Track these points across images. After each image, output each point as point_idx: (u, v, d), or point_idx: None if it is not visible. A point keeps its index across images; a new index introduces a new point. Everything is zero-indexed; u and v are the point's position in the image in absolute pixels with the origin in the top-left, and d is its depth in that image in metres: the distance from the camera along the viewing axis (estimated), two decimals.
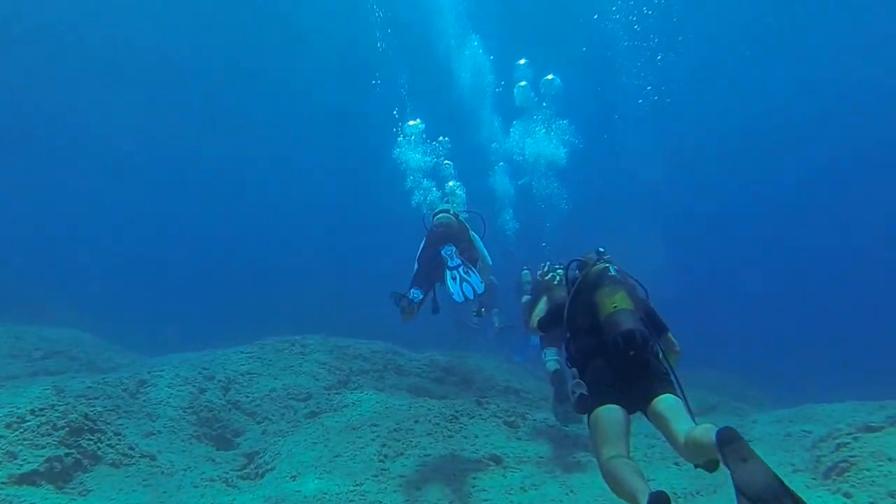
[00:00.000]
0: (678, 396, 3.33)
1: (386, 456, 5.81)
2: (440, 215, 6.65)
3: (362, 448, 5.90)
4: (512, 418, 7.13)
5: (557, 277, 7.39)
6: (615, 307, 3.57)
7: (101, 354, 11.11)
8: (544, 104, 13.22)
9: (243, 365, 8.54)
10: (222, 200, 35.86)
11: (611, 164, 28.65)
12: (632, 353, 3.38)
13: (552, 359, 7.04)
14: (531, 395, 9.22)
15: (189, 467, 5.86)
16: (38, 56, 28.43)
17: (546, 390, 10.12)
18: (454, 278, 5.86)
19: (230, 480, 5.83)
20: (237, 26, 28.55)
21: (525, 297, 7.98)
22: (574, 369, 3.70)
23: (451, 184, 10.23)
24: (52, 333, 11.68)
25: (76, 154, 32.80)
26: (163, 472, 5.56)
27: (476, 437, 6.36)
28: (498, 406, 7.32)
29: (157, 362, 8.95)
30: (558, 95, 13.28)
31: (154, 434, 6.53)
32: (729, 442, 2.49)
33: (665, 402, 3.25)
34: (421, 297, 6.18)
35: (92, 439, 5.36)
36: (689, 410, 3.25)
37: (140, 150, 32.94)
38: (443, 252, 6.00)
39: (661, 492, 2.58)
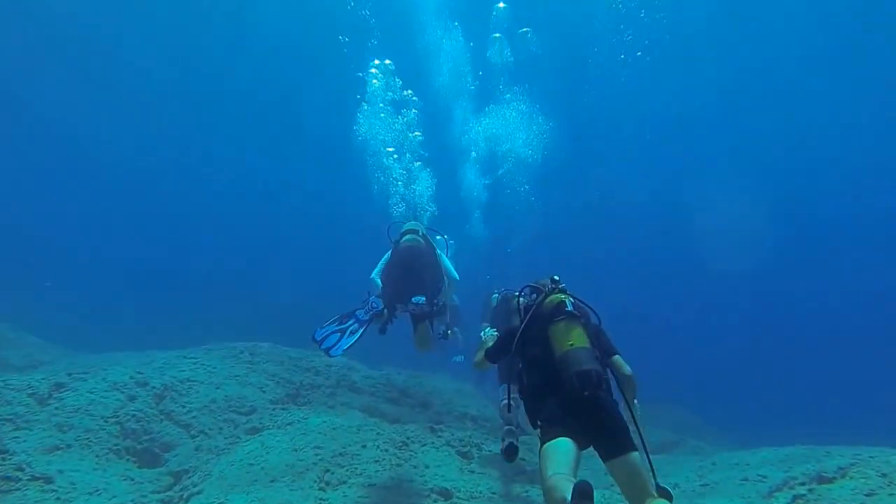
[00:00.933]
0: (638, 450, 3.29)
1: (327, 483, 5.30)
2: (408, 237, 6.36)
3: (302, 473, 5.36)
4: (466, 448, 6.69)
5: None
6: (571, 345, 3.50)
7: (18, 350, 10.28)
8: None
9: (184, 371, 7.91)
10: (190, 198, 34.80)
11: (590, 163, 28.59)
12: (586, 393, 3.32)
13: (503, 399, 6.55)
14: (489, 423, 8.77)
15: (96, 490, 5.22)
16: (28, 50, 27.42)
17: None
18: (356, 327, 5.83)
19: None
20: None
21: (484, 325, 7.64)
22: (523, 402, 3.72)
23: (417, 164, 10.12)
24: None
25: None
26: (58, 499, 4.91)
27: (426, 467, 5.88)
28: (452, 434, 6.88)
29: (84, 362, 8.23)
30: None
31: (60, 449, 5.84)
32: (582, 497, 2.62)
33: (628, 464, 3.22)
34: (381, 306, 5.87)
35: None
36: (650, 462, 3.35)
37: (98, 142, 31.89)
38: (412, 301, 5.84)
39: (584, 482, 2.64)
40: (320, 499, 4.89)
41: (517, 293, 4.33)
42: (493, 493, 5.75)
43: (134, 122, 31.57)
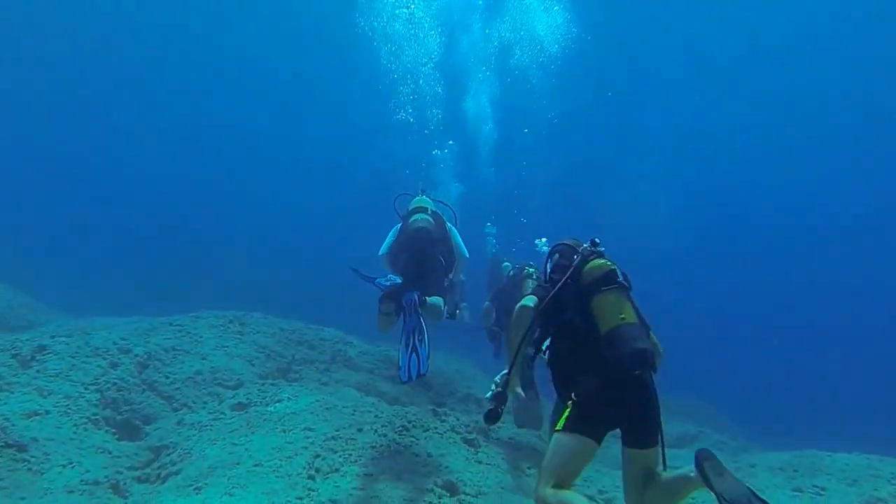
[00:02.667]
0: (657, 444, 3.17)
1: (318, 470, 4.76)
2: (418, 216, 6.00)
3: (290, 458, 4.83)
4: (472, 435, 6.14)
5: (530, 284, 6.85)
6: (623, 319, 3.17)
7: (14, 311, 9.80)
8: None
9: (169, 339, 7.38)
10: (188, 163, 34.23)
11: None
12: (637, 372, 3.08)
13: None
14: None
15: (71, 462, 4.71)
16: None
17: (511, 402, 9.23)
18: (408, 345, 5.42)
19: (120, 485, 4.71)
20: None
21: (486, 304, 7.44)
22: (551, 369, 3.46)
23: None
24: None
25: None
26: (29, 469, 4.41)
27: (429, 456, 5.34)
28: (457, 419, 6.34)
29: (71, 326, 7.69)
30: None
31: (39, 415, 5.32)
32: (706, 458, 2.92)
33: (650, 458, 3.14)
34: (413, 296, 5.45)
35: None
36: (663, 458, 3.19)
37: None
38: (404, 300, 5.47)
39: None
40: (309, 488, 4.36)
41: (552, 248, 3.86)
42: (503, 488, 5.22)
43: (128, 79, 31.01)
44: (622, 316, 3.17)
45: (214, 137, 34.01)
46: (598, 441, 3.08)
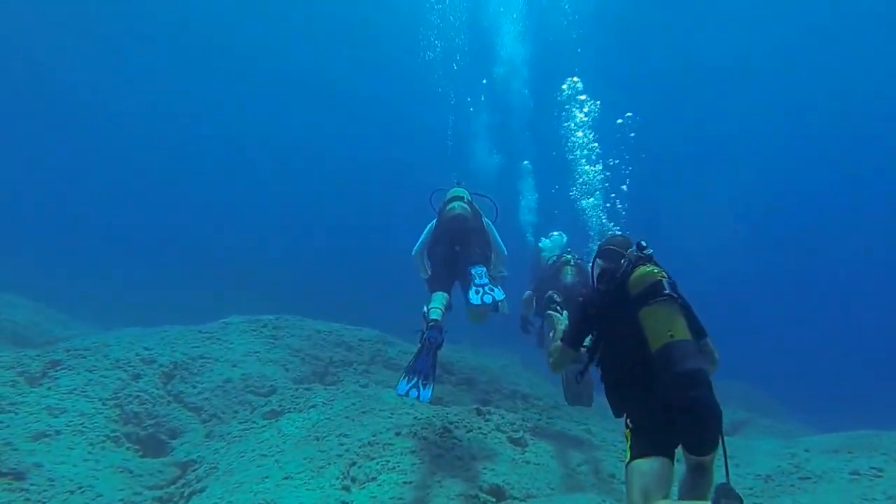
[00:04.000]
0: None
1: (353, 480, 4.32)
2: (454, 204, 5.86)
3: (323, 468, 4.39)
4: (519, 434, 5.64)
5: (569, 270, 6.65)
6: (671, 336, 2.85)
7: (36, 326, 9.62)
8: None
9: (197, 347, 7.03)
10: (213, 179, 34.51)
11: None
12: (692, 394, 2.74)
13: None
14: (542, 401, 7.70)
15: (80, 487, 4.33)
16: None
17: (559, 396, 8.66)
18: (478, 293, 5.16)
19: None
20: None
21: (527, 293, 7.12)
22: (604, 387, 3.19)
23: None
24: None
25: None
26: (27, 500, 4.04)
27: (473, 458, 4.84)
28: (502, 417, 5.82)
29: (90, 339, 7.41)
30: None
31: (48, 436, 4.95)
32: (725, 496, 2.48)
33: (709, 462, 2.85)
34: (441, 310, 5.19)
35: None
36: (726, 460, 2.83)
37: (130, 122, 31.81)
38: (472, 271, 5.23)
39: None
40: (342, 501, 3.91)
41: (597, 251, 3.52)
42: (553, 489, 4.71)
43: (162, 85, 31.34)
44: (671, 332, 2.85)
45: (243, 142, 34.20)
46: (671, 458, 2.85)
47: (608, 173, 8.48)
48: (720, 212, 27.77)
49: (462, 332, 11.30)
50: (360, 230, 29.84)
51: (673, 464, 2.85)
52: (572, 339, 3.28)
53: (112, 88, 30.98)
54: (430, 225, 6.07)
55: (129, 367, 6.26)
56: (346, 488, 4.15)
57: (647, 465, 2.81)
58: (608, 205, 8.21)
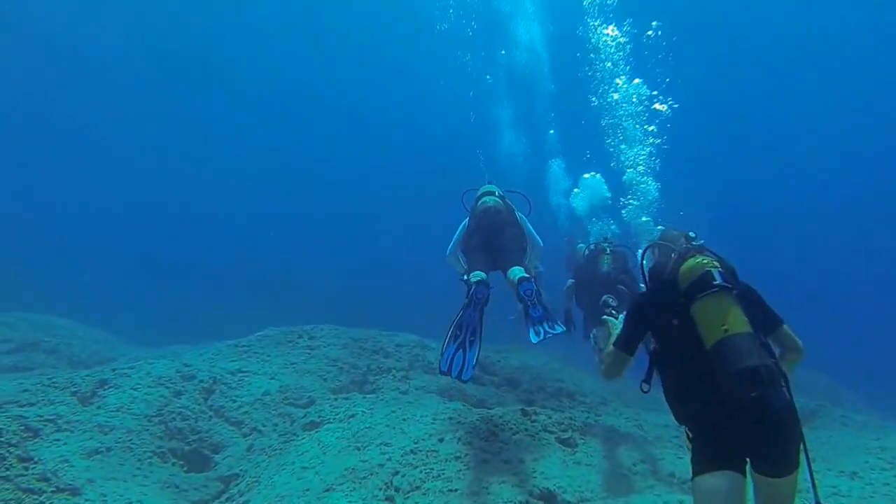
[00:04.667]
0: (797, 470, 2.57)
1: (397, 490, 4.17)
2: (486, 198, 5.87)
3: (364, 479, 4.25)
4: (567, 433, 5.40)
5: (606, 259, 6.47)
6: (725, 331, 2.59)
7: (88, 348, 9.79)
8: None
9: (234, 361, 7.01)
10: (237, 191, 34.99)
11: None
12: (753, 395, 2.46)
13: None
14: (588, 398, 7.46)
15: (130, 502, 4.31)
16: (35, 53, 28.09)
17: (606, 392, 8.37)
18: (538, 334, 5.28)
19: None
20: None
21: (569, 282, 6.93)
22: (665, 394, 2.90)
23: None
24: (36, 321, 10.46)
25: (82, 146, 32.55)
26: None
27: (521, 462, 4.64)
28: (549, 417, 5.59)
29: (133, 358, 7.48)
30: None
31: (100, 453, 4.98)
32: None
33: (788, 485, 2.57)
34: (485, 275, 5.21)
35: None
36: (812, 478, 2.59)
37: (146, 140, 32.58)
38: (521, 290, 5.17)
39: None
40: None
41: (647, 246, 3.32)
42: (609, 491, 4.46)
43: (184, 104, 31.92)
44: (724, 327, 2.59)
45: (265, 153, 34.69)
46: (742, 472, 2.56)
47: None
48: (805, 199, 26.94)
49: (500, 334, 11.13)
50: (390, 236, 29.85)
51: (744, 476, 2.58)
52: (625, 342, 3.03)
53: (136, 115, 31.73)
54: (462, 224, 6.06)
55: (171, 384, 6.25)
56: (390, 499, 4.00)
57: (712, 484, 2.56)
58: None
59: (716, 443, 2.59)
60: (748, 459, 2.60)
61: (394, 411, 5.57)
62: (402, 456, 4.57)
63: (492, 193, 5.97)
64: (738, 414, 2.52)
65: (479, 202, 5.87)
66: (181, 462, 5.41)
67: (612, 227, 7.69)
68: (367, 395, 6.48)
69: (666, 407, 2.93)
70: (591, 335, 6.15)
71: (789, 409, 2.54)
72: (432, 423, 5.17)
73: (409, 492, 4.11)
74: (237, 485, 4.87)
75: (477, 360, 5.03)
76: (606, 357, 3.13)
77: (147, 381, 6.22)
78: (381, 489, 4.08)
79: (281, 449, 5.27)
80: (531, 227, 6.04)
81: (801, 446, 2.58)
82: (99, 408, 5.75)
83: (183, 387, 6.28)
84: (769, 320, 2.88)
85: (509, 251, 5.56)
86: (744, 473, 2.57)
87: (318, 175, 35.43)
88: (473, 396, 7.00)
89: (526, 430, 5.27)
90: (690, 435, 2.70)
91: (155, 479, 4.91)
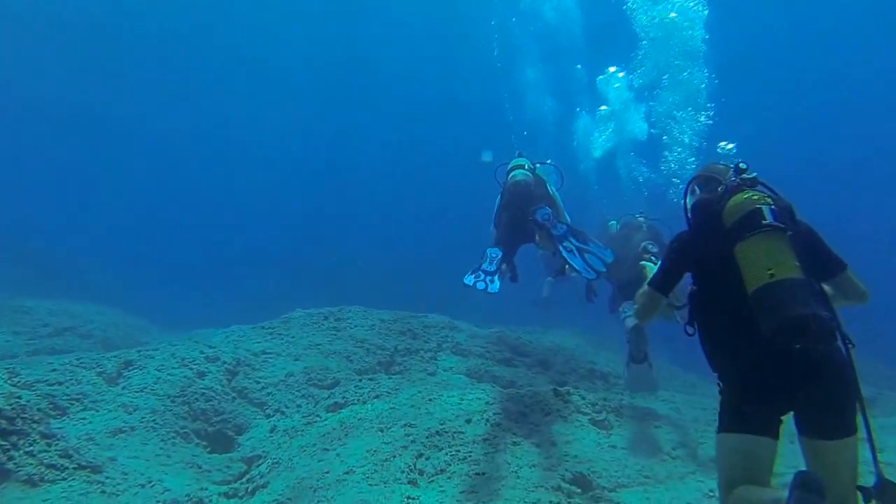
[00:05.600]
0: (855, 436, 2.30)
1: (421, 473, 3.97)
2: (516, 172, 5.82)
3: (387, 460, 4.06)
4: (602, 415, 5.13)
5: (639, 235, 6.36)
6: (772, 275, 2.31)
7: (122, 333, 9.85)
8: None
9: (259, 343, 6.90)
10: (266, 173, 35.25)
11: None
12: (798, 346, 2.25)
13: (630, 314, 5.79)
14: (623, 380, 7.13)
15: (150, 481, 4.19)
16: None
17: (624, 370, 8.05)
18: (570, 251, 5.22)
19: (204, 502, 4.15)
20: None
21: None
22: (701, 341, 2.65)
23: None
24: (73, 308, 10.55)
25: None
26: (103, 492, 3.91)
27: (553, 444, 4.40)
28: (582, 398, 5.32)
29: (160, 340, 7.44)
30: None
31: (124, 432, 4.91)
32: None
33: (845, 451, 2.28)
34: (501, 254, 5.37)
35: (4, 445, 3.79)
36: (873, 446, 2.30)
37: (177, 125, 32.98)
38: (538, 217, 5.30)
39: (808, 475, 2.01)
40: (408, 496, 3.56)
41: (691, 179, 3.07)
42: (647, 478, 4.18)
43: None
44: (770, 271, 2.31)
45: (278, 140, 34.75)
46: (773, 435, 2.35)
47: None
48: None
49: (530, 315, 10.86)
50: (419, 217, 29.70)
51: (776, 440, 2.36)
52: (660, 280, 2.78)
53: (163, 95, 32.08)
54: (497, 200, 6.09)
55: (195, 365, 6.16)
56: (413, 482, 3.80)
57: (736, 443, 2.35)
58: None
59: (749, 398, 2.36)
60: (795, 421, 2.38)
61: (419, 392, 5.36)
62: (426, 437, 4.36)
63: (521, 167, 5.88)
64: (781, 368, 2.29)
65: (510, 177, 5.80)
66: (204, 443, 5.31)
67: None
68: (393, 376, 6.29)
69: (703, 389, 2.71)
70: (621, 309, 6.00)
71: (843, 365, 2.29)
72: (459, 404, 4.95)
73: (433, 475, 3.91)
74: (258, 466, 4.73)
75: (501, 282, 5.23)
76: (640, 297, 2.87)
77: (171, 363, 6.14)
78: (403, 472, 3.88)
79: (303, 430, 5.12)
80: (561, 202, 5.93)
81: (860, 412, 2.31)
82: (124, 388, 5.69)
83: (206, 368, 6.19)
84: (830, 264, 2.62)
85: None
86: (776, 436, 2.36)
87: (352, 160, 35.46)
88: (504, 378, 6.76)
89: (558, 411, 5.02)
90: (721, 385, 2.49)
91: (178, 458, 4.81)
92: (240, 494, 4.40)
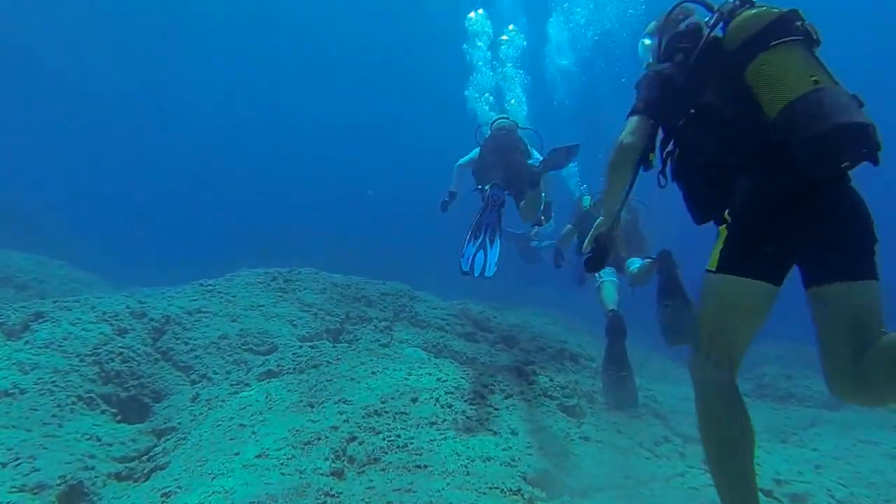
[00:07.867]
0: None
1: (351, 461, 3.26)
2: (501, 121, 6.24)
3: (310, 443, 3.35)
4: (573, 400, 4.49)
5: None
6: (816, 82, 1.94)
7: (63, 286, 9.01)
8: None
9: (195, 301, 6.12)
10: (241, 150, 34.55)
11: None
12: (845, 164, 1.90)
13: (609, 279, 5.62)
14: (595, 363, 6.51)
15: (18, 459, 3.41)
16: None
17: (602, 382, 7.49)
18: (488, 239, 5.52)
19: (84, 486, 3.40)
20: None
21: (567, 226, 6.77)
22: (689, 190, 2.37)
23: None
24: (12, 256, 9.67)
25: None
26: None
27: (513, 433, 3.72)
28: (551, 380, 4.67)
29: (87, 293, 6.62)
30: None
31: (11, 395, 4.13)
32: None
33: (867, 294, 1.89)
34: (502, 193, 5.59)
35: None
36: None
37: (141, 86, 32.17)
38: (491, 193, 5.47)
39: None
40: (327, 493, 2.85)
41: (665, 15, 2.67)
42: (626, 478, 3.54)
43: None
44: (814, 77, 1.98)
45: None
46: (776, 280, 2.08)
47: None
48: None
49: (498, 290, 10.25)
50: (385, 183, 29.24)
51: (777, 288, 2.09)
52: (645, 104, 2.38)
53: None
54: (474, 150, 6.38)
55: (116, 320, 5.36)
56: (338, 473, 3.10)
57: (735, 287, 2.06)
58: None
59: (756, 240, 2.04)
60: (806, 272, 2.04)
61: (364, 363, 4.66)
62: (363, 418, 3.66)
63: (505, 118, 6.35)
64: (804, 191, 1.96)
65: (496, 125, 6.17)
66: (114, 409, 4.54)
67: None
68: (339, 346, 5.57)
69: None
70: (597, 276, 5.77)
71: (858, 195, 2.04)
72: (406, 380, 4.24)
73: (364, 464, 3.21)
74: (167, 441, 4.01)
75: (499, 258, 5.27)
76: (620, 135, 2.41)
77: (89, 317, 5.33)
78: (327, 459, 3.18)
79: (224, 401, 4.39)
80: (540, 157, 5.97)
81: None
82: (26, 343, 4.88)
83: (130, 324, 5.40)
84: None
85: (521, 180, 5.57)
86: (777, 283, 2.09)
87: (313, 129, 34.86)
88: (463, 354, 6.07)
89: (522, 393, 4.36)
90: (729, 219, 2.12)
91: (71, 429, 4.03)
92: (135, 476, 3.66)
